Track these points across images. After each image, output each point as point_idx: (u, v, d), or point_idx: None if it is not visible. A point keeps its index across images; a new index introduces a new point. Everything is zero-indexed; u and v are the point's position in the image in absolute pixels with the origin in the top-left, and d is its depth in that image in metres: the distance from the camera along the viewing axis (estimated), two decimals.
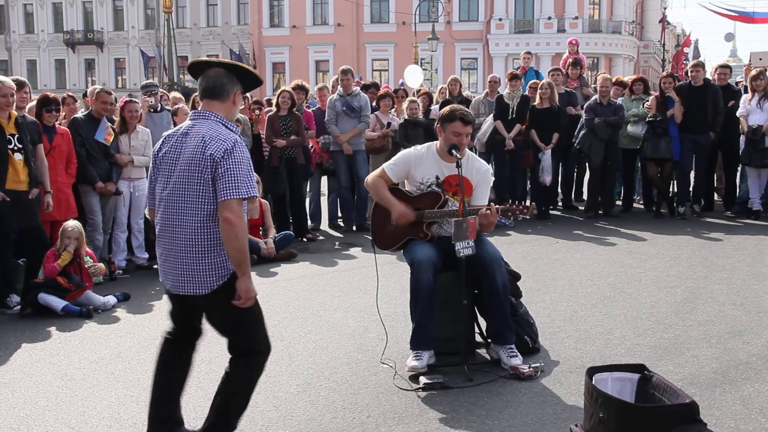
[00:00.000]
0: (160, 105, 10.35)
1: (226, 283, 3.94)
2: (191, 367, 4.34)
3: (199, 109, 4.12)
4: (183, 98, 11.85)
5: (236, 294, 3.90)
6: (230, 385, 4.06)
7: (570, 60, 14.12)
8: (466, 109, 5.75)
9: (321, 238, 11.18)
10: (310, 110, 11.80)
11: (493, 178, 6.17)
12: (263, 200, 9.95)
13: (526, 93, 12.24)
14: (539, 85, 11.98)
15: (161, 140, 4.16)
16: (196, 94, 4.77)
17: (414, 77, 21.32)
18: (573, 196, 13.35)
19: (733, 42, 72.89)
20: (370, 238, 5.99)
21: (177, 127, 4.16)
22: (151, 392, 4.24)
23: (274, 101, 11.38)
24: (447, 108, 5.77)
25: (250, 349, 4.07)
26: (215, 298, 3.96)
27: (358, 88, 11.73)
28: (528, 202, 7.06)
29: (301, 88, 11.71)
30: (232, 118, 4.16)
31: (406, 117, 11.31)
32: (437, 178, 5.63)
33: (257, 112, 11.27)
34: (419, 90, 16.24)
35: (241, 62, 4.36)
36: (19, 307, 7.50)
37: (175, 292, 4.06)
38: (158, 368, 4.25)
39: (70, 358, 6.09)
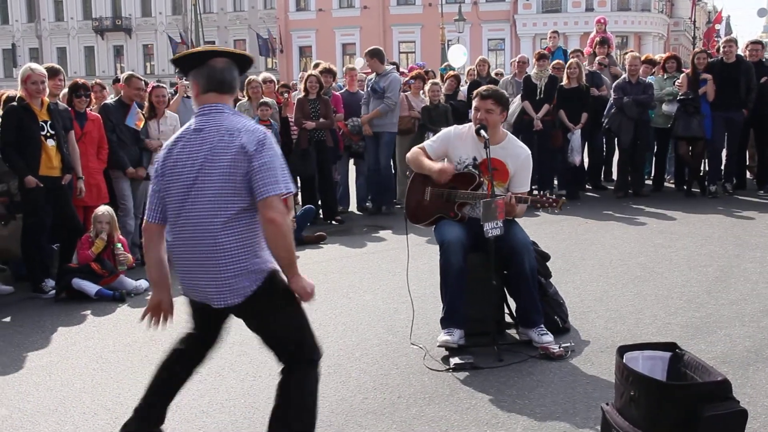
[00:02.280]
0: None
1: (261, 287, 3.62)
2: (191, 375, 4.05)
3: (202, 103, 3.71)
4: None
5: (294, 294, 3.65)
6: (284, 397, 3.67)
7: (598, 39, 13.99)
8: (494, 86, 5.73)
9: (350, 220, 11.20)
10: (337, 93, 11.80)
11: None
12: None
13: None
14: (567, 65, 11.91)
15: (165, 148, 3.74)
16: (251, 79, 4.52)
17: (458, 57, 21.24)
18: (602, 176, 13.26)
19: (766, 17, 71.47)
20: (404, 213, 5.96)
21: (182, 129, 3.76)
22: (150, 386, 3.97)
23: (300, 86, 11.39)
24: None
25: (298, 357, 3.71)
26: (250, 305, 3.63)
27: (391, 68, 11.66)
28: (557, 194, 6.96)
29: (328, 72, 11.71)
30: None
31: (429, 99, 11.31)
32: (474, 159, 5.61)
33: (285, 95, 11.29)
34: (451, 70, 16.15)
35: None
36: (54, 291, 7.60)
37: (206, 303, 3.69)
38: (163, 372, 3.96)
39: (105, 341, 6.18)
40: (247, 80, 10.90)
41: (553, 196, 5.59)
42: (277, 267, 3.67)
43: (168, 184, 3.66)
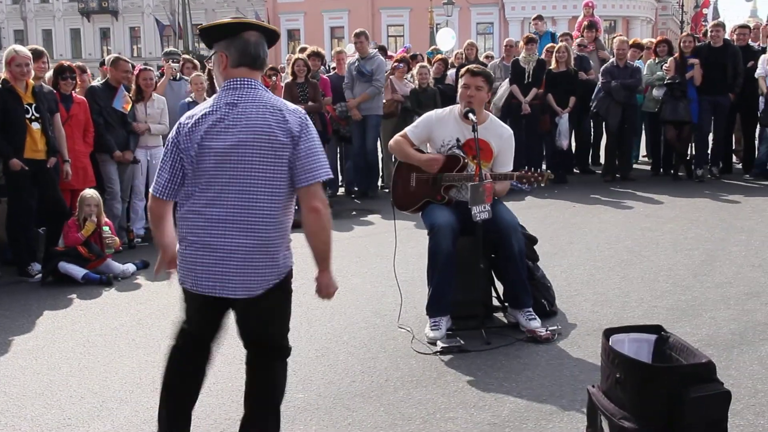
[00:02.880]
0: (179, 74, 10.35)
1: (279, 283, 3.46)
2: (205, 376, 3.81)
3: (230, 77, 3.40)
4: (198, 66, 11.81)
5: (317, 289, 3.59)
6: (271, 381, 3.62)
7: (585, 23, 13.98)
8: (478, 65, 5.75)
9: (338, 204, 11.19)
10: (325, 76, 11.75)
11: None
12: None
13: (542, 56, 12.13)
14: (555, 49, 11.90)
15: (188, 123, 3.36)
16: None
17: (446, 40, 21.29)
18: (590, 160, 13.28)
19: (753, 2, 71.64)
20: (390, 199, 5.96)
21: (208, 103, 3.41)
22: (167, 403, 3.67)
23: (288, 70, 11.34)
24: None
25: (282, 347, 3.62)
26: (265, 298, 3.43)
27: (375, 51, 11.66)
28: (543, 168, 6.98)
29: (316, 55, 11.65)
30: None
31: (417, 83, 11.29)
32: (458, 140, 5.61)
33: (273, 78, 11.24)
34: (438, 54, 16.12)
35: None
36: (40, 275, 7.58)
37: (216, 294, 3.41)
38: (174, 378, 3.65)
39: (92, 325, 6.17)
40: None
41: (539, 170, 5.58)
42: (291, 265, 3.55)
43: (200, 161, 3.31)
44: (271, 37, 3.52)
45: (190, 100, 9.59)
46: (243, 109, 3.31)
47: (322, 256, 3.49)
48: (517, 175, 5.60)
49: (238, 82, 3.38)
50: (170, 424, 3.65)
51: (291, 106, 3.42)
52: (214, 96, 3.44)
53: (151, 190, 3.50)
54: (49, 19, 62.29)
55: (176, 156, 3.36)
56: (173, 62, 10.42)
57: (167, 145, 3.44)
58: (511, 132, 5.83)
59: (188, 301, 3.57)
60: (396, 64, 12.21)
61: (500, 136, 5.66)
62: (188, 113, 3.44)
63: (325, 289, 3.57)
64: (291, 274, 3.56)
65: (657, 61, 12.05)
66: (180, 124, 3.41)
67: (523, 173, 5.59)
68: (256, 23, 3.49)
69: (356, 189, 11.78)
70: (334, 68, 12.63)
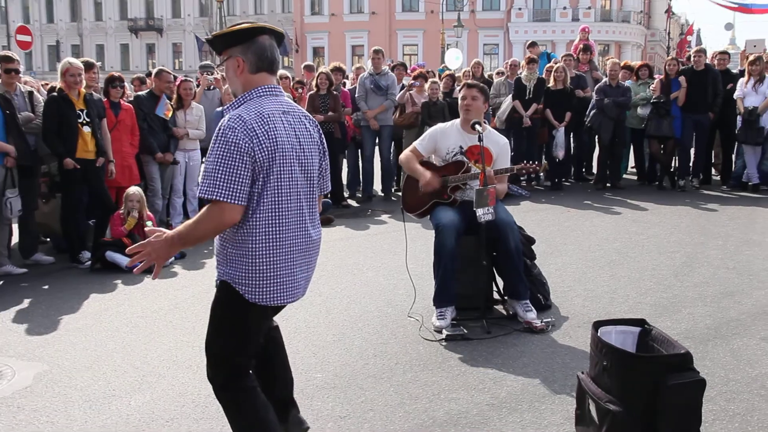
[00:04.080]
0: (212, 84, 10.40)
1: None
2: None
3: (256, 83, 3.05)
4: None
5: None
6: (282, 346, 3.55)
7: (581, 46, 13.92)
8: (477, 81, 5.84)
9: (356, 204, 11.20)
10: (346, 89, 11.75)
11: (512, 153, 6.16)
12: None
13: (542, 75, 12.11)
14: (554, 69, 11.89)
15: (259, 126, 2.89)
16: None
17: (452, 60, 21.33)
18: (584, 169, 13.23)
19: (732, 31, 71.31)
20: (401, 207, 5.98)
21: (267, 108, 2.97)
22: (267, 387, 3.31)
23: (313, 83, 11.35)
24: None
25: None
26: None
27: (387, 68, 11.67)
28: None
29: (338, 70, 11.66)
30: None
31: (429, 97, 11.30)
32: (461, 147, 5.65)
33: (299, 90, 11.25)
34: (445, 72, 16.10)
35: (284, 46, 3.21)
36: (89, 262, 7.62)
37: (294, 300, 3.11)
38: (262, 414, 3.10)
39: (134, 307, 6.20)
40: None
41: (535, 162, 5.65)
42: None
43: (281, 167, 2.94)
44: (279, 39, 3.17)
45: (224, 107, 9.61)
46: (293, 117, 3.07)
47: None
48: (516, 168, 5.62)
49: (268, 90, 3.05)
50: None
51: (310, 116, 3.23)
52: (272, 103, 3.03)
53: None
54: (101, 36, 62.64)
55: (247, 160, 2.88)
56: (207, 74, 10.43)
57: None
58: (507, 140, 5.91)
59: (266, 315, 3.16)
60: (413, 81, 12.21)
61: (498, 143, 5.71)
62: (248, 116, 2.94)
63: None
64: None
65: (639, 82, 12.02)
66: (247, 128, 2.92)
67: (522, 165, 5.63)
68: (269, 27, 3.11)
69: (376, 192, 11.74)
70: (352, 81, 12.62)
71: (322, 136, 3.25)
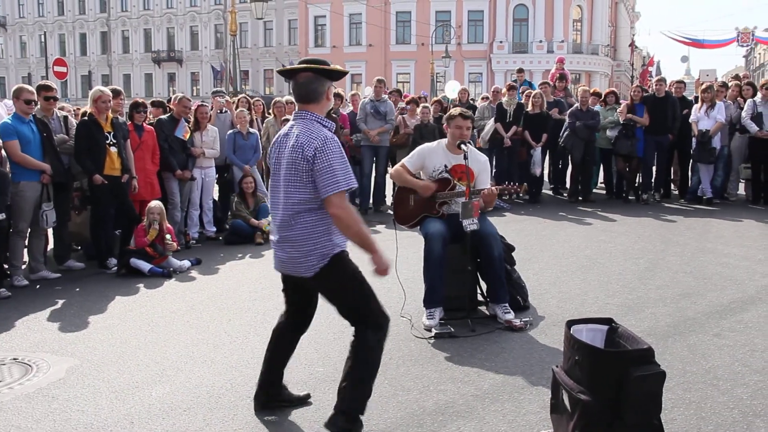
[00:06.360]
0: (224, 108, 10.41)
1: (326, 266, 3.51)
2: (294, 347, 3.99)
3: (297, 110, 3.61)
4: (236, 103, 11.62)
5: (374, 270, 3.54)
6: (354, 353, 3.58)
7: (557, 75, 13.98)
8: (465, 109, 5.80)
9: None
10: (344, 113, 11.78)
11: (494, 170, 6.16)
12: None
13: (521, 101, 12.15)
14: (532, 95, 11.93)
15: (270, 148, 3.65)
16: (276, 100, 4.34)
17: (452, 90, 21.56)
18: (559, 184, 13.26)
19: (687, 63, 71.77)
20: (392, 219, 5.96)
21: (282, 131, 3.65)
22: (264, 361, 3.93)
23: None
24: (452, 110, 5.83)
25: (365, 322, 3.55)
26: (317, 279, 3.54)
27: (386, 96, 11.71)
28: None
29: (337, 96, 11.67)
30: (326, 110, 3.69)
31: (421, 119, 11.33)
32: (445, 166, 5.63)
33: None
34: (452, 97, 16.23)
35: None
36: (116, 268, 7.61)
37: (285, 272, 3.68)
38: (271, 342, 3.92)
39: (155, 308, 6.18)
40: (273, 101, 10.90)
41: (517, 183, 5.65)
42: (344, 249, 3.57)
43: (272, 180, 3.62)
44: (330, 72, 3.63)
45: (236, 130, 9.69)
46: (289, 139, 3.55)
47: (360, 246, 3.48)
48: (500, 188, 5.61)
49: (297, 115, 3.59)
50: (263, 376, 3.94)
51: (315, 134, 3.42)
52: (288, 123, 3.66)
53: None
54: (128, 66, 62.75)
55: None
56: (219, 98, 10.49)
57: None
58: (486, 158, 5.89)
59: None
60: (405, 106, 12.26)
61: (479, 161, 5.68)
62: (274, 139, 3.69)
63: (379, 267, 3.52)
64: (339, 256, 3.55)
65: (607, 108, 12.07)
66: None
67: (505, 186, 5.62)
68: (307, 67, 3.58)
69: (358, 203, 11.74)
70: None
71: (317, 149, 3.42)
